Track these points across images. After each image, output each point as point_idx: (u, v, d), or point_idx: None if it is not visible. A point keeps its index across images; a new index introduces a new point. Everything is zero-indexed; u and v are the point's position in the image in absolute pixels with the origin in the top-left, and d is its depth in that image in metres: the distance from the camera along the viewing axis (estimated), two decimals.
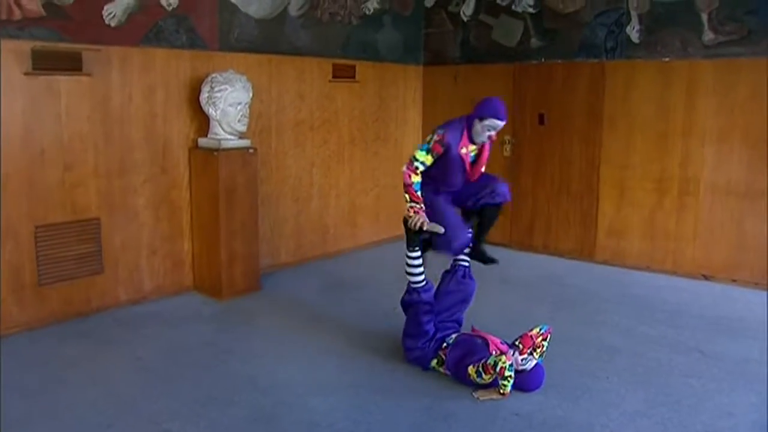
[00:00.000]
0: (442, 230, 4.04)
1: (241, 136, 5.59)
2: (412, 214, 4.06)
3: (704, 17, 6.11)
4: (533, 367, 3.83)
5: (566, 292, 5.88)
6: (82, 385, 3.94)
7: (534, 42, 7.14)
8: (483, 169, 4.25)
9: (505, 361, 3.68)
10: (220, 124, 5.43)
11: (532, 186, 7.34)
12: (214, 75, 5.39)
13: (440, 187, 4.22)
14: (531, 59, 7.20)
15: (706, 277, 6.31)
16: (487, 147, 4.19)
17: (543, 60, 7.12)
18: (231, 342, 4.67)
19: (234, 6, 5.83)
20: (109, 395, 3.83)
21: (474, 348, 3.94)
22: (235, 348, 4.56)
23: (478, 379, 3.80)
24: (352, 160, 7.22)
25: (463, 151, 4.07)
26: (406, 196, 4.08)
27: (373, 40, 7.30)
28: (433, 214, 4.12)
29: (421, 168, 4.04)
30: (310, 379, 4.08)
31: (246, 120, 5.53)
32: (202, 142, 5.59)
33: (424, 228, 4.05)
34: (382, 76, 7.46)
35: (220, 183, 5.40)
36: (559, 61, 7.00)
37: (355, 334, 4.83)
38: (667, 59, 6.36)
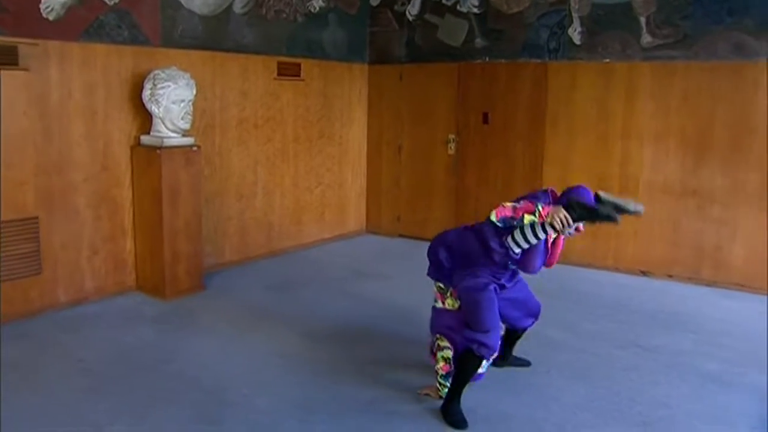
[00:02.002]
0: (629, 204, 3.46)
1: (185, 133, 5.52)
2: (548, 218, 3.35)
3: (642, 21, 6.29)
4: None
5: None
6: (21, 389, 3.83)
7: (479, 42, 7.23)
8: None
9: (440, 367, 3.73)
10: (163, 122, 5.36)
11: (476, 184, 7.43)
12: (156, 72, 5.31)
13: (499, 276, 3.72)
14: (475, 59, 7.28)
15: (644, 273, 6.50)
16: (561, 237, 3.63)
17: (487, 59, 7.22)
18: (175, 342, 4.61)
19: (177, 2, 5.75)
20: (49, 399, 3.74)
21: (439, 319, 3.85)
22: (179, 348, 4.51)
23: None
24: (297, 158, 7.19)
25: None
26: (527, 217, 3.37)
27: (318, 38, 7.28)
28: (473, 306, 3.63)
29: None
30: (255, 379, 4.06)
31: (189, 117, 5.46)
32: (145, 139, 5.49)
33: (565, 218, 3.32)
34: (327, 75, 7.45)
35: (163, 181, 5.32)
36: (503, 61, 7.10)
37: (300, 334, 4.82)
38: (607, 61, 6.52)
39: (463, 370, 3.62)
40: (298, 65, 7.03)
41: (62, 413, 3.58)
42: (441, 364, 3.75)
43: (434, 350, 3.82)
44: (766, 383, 4.12)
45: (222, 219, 6.40)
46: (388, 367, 4.26)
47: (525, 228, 3.46)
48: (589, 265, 6.70)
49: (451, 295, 3.77)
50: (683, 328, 5.10)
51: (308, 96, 7.24)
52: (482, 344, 3.54)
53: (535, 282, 4.12)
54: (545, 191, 3.64)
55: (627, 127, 6.49)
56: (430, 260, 3.86)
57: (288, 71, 6.91)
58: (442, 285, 3.82)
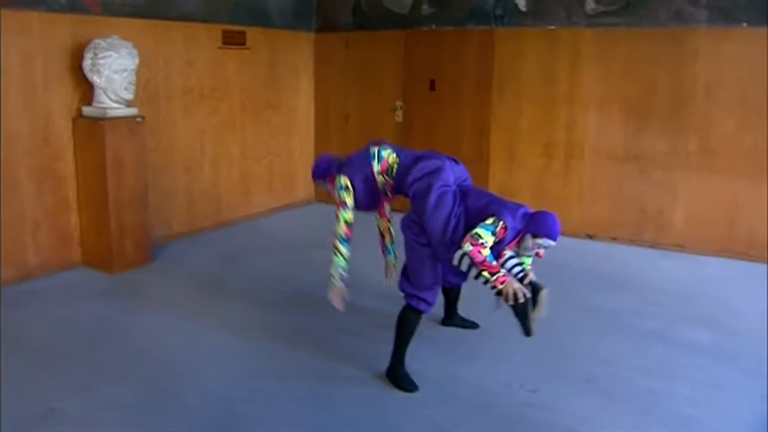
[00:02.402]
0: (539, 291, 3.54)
1: (128, 104, 5.42)
2: (500, 285, 3.40)
3: None
4: None
5: None
6: None
7: (425, 9, 7.22)
8: None
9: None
10: (105, 92, 5.25)
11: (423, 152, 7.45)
12: (97, 41, 5.18)
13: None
14: (422, 26, 7.28)
15: (590, 236, 6.65)
16: None
17: (434, 27, 7.22)
18: (123, 316, 4.57)
19: None
20: None
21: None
22: (127, 322, 4.48)
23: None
24: (244, 128, 7.12)
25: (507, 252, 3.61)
26: (485, 274, 3.41)
27: (263, 6, 7.18)
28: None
29: (489, 245, 3.47)
30: (205, 351, 4.07)
31: (133, 88, 5.36)
32: (87, 111, 5.37)
33: (523, 296, 3.40)
34: (273, 43, 7.37)
35: (107, 153, 5.23)
36: (450, 27, 7.12)
37: (250, 303, 4.83)
38: (552, 27, 6.58)
39: (404, 328, 3.68)
40: (243, 33, 6.93)
41: (7, 391, 3.51)
42: None
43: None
44: (710, 340, 4.30)
45: (169, 191, 6.32)
46: (339, 333, 4.31)
47: (472, 269, 3.53)
48: None
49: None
50: (626, 289, 5.26)
51: (254, 65, 7.15)
52: (422, 299, 3.63)
53: None
54: (519, 208, 3.50)
55: (572, 93, 6.59)
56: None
57: (233, 40, 6.81)
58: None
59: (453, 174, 3.71)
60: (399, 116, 7.57)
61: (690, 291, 5.24)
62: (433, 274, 3.66)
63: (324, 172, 4.08)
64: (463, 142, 7.20)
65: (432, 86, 7.31)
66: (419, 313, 3.67)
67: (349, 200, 3.82)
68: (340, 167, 3.93)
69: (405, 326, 3.68)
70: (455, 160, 3.83)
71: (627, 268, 5.81)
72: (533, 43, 6.70)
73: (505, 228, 3.40)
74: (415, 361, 3.77)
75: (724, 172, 6.06)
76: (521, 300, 3.38)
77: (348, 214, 3.82)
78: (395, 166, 3.82)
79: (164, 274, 5.48)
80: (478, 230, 3.38)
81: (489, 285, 3.43)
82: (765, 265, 5.81)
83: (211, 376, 3.73)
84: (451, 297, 4.39)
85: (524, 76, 6.77)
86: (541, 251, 3.52)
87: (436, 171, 3.64)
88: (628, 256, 6.15)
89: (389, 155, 3.86)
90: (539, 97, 6.75)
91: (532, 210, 3.54)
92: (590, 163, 6.57)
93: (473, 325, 4.45)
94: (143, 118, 5.54)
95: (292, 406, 3.45)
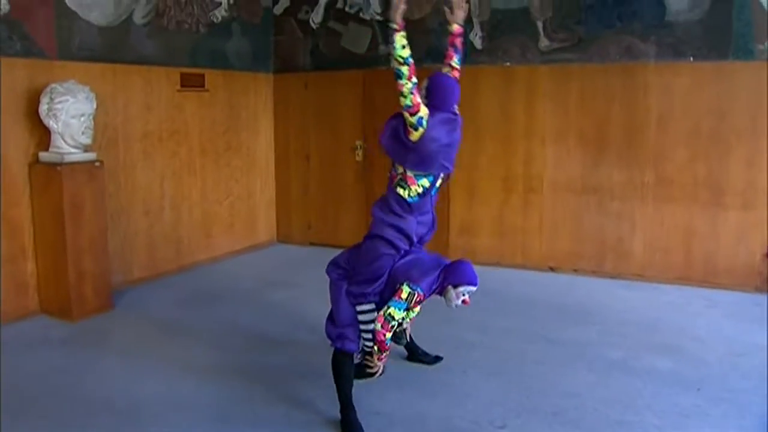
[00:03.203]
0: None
1: (86, 149, 5.36)
2: (378, 362, 3.65)
3: (540, 25, 6.53)
4: None
5: None
6: None
7: (382, 48, 7.32)
8: None
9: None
10: (62, 137, 5.19)
11: (385, 190, 7.47)
12: (53, 85, 5.13)
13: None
14: (380, 65, 7.36)
15: (552, 269, 6.72)
16: None
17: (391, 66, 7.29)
18: (84, 365, 4.47)
19: (73, 12, 5.58)
20: None
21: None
22: (88, 371, 4.37)
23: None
24: (204, 170, 7.09)
25: None
26: (376, 348, 3.56)
27: (222, 48, 7.21)
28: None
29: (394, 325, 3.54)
30: (168, 397, 3.98)
31: (90, 132, 5.31)
32: (44, 156, 5.30)
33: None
34: (232, 85, 7.38)
35: (64, 199, 5.15)
36: None
37: (213, 347, 4.76)
38: (508, 64, 6.72)
39: (340, 374, 3.65)
40: (202, 76, 6.94)
41: None
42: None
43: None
44: (674, 368, 4.35)
45: (129, 235, 6.24)
46: (301, 376, 4.26)
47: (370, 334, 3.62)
48: (497, 264, 6.86)
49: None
50: (589, 320, 5.31)
51: (213, 107, 7.15)
52: (345, 338, 3.64)
53: None
54: (437, 269, 3.61)
55: (529, 127, 6.71)
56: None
57: (192, 82, 6.81)
58: None
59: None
60: (359, 155, 7.61)
61: (651, 320, 5.30)
62: (352, 312, 3.67)
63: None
64: None
65: None
66: (347, 354, 3.65)
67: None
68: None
69: (340, 371, 3.65)
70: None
71: (589, 299, 5.87)
72: (490, 80, 6.82)
73: (422, 296, 3.51)
74: (381, 401, 3.75)
75: (679, 202, 6.20)
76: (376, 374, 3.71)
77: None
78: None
79: (125, 320, 5.38)
80: (392, 310, 3.46)
81: (370, 353, 3.63)
82: (722, 292, 5.93)
83: (176, 424, 3.65)
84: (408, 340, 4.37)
85: (482, 112, 6.87)
86: (466, 297, 3.62)
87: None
88: (590, 287, 6.22)
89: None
90: (497, 132, 6.85)
91: (448, 261, 3.65)
92: (549, 196, 6.67)
93: (436, 360, 4.43)
94: (102, 162, 5.49)
95: None
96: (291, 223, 8.19)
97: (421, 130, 3.53)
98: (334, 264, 3.83)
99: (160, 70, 6.44)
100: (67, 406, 3.87)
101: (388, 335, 3.50)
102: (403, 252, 3.70)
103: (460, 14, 3.97)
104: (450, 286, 3.55)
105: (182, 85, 6.70)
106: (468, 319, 5.20)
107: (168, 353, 4.65)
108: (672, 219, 6.25)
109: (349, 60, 7.55)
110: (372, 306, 3.64)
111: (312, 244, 7.99)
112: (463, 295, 3.58)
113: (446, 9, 3.96)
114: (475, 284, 3.57)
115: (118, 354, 4.66)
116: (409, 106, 3.50)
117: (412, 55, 3.52)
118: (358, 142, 7.59)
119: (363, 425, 3.56)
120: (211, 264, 7.14)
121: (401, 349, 4.42)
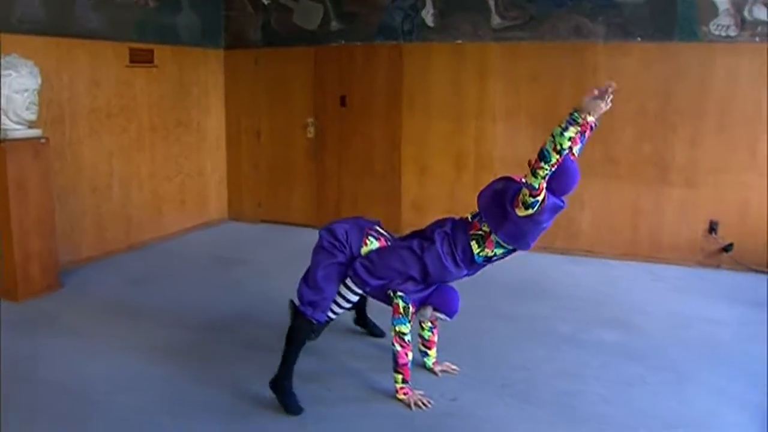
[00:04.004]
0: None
1: (31, 125, 5.22)
2: (402, 395, 3.66)
3: (491, 3, 6.58)
4: None
5: None
6: None
7: (334, 25, 7.28)
8: None
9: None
10: (5, 113, 5.04)
11: (337, 167, 7.51)
12: None
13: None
14: (331, 42, 7.32)
15: None
16: None
17: (343, 42, 7.28)
18: (32, 346, 4.38)
19: None
20: None
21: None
22: (36, 352, 4.29)
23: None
24: (154, 147, 6.98)
25: None
26: (400, 377, 3.67)
27: (171, 23, 7.08)
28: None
29: (409, 338, 3.68)
30: (118, 377, 3.95)
31: (35, 108, 5.17)
32: None
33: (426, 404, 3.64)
34: (182, 61, 7.26)
35: (8, 177, 5.02)
36: (359, 43, 7.19)
37: (165, 326, 4.72)
38: (459, 42, 6.74)
39: (292, 339, 3.66)
40: (151, 51, 6.81)
41: None
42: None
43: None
44: (620, 340, 4.47)
45: (77, 214, 6.12)
46: (255, 351, 4.26)
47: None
48: None
49: None
50: (540, 296, 5.43)
51: (163, 83, 7.03)
52: (317, 306, 3.67)
53: None
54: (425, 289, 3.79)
55: (480, 105, 6.76)
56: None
57: (140, 58, 6.67)
58: None
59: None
60: (311, 132, 7.57)
61: (600, 294, 5.45)
62: (335, 287, 3.72)
63: None
64: (375, 156, 7.28)
65: (343, 102, 7.36)
66: (311, 322, 3.67)
67: None
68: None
69: (295, 338, 3.65)
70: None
71: (540, 275, 5.98)
72: (441, 58, 6.85)
73: (414, 308, 3.72)
74: (331, 376, 3.77)
75: (626, 180, 6.35)
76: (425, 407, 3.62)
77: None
78: None
79: (73, 300, 5.29)
80: (399, 327, 3.64)
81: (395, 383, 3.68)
82: (667, 266, 6.11)
83: (126, 404, 3.62)
84: (360, 303, 4.38)
85: (433, 89, 6.91)
86: (437, 321, 3.91)
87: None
88: (540, 263, 6.32)
89: None
90: (448, 109, 6.90)
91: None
92: (500, 173, 6.66)
93: (381, 334, 4.48)
94: (47, 139, 5.35)
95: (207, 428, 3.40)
96: (242, 201, 8.14)
97: (531, 211, 3.52)
98: (329, 231, 3.76)
99: (107, 45, 6.29)
100: (15, 389, 3.78)
101: (410, 354, 3.67)
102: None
103: (603, 109, 3.63)
104: (431, 306, 3.75)
105: (131, 61, 6.55)
106: None
107: (117, 333, 4.60)
108: (619, 196, 6.40)
109: (301, 36, 7.49)
110: (360, 291, 3.76)
111: (263, 221, 7.95)
112: (437, 318, 3.81)
113: (593, 94, 3.47)
114: (451, 318, 3.79)
115: (66, 334, 4.59)
116: (534, 188, 3.48)
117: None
118: (310, 119, 7.55)
119: (301, 397, 3.60)
120: (161, 242, 7.06)
121: (349, 320, 4.51)
